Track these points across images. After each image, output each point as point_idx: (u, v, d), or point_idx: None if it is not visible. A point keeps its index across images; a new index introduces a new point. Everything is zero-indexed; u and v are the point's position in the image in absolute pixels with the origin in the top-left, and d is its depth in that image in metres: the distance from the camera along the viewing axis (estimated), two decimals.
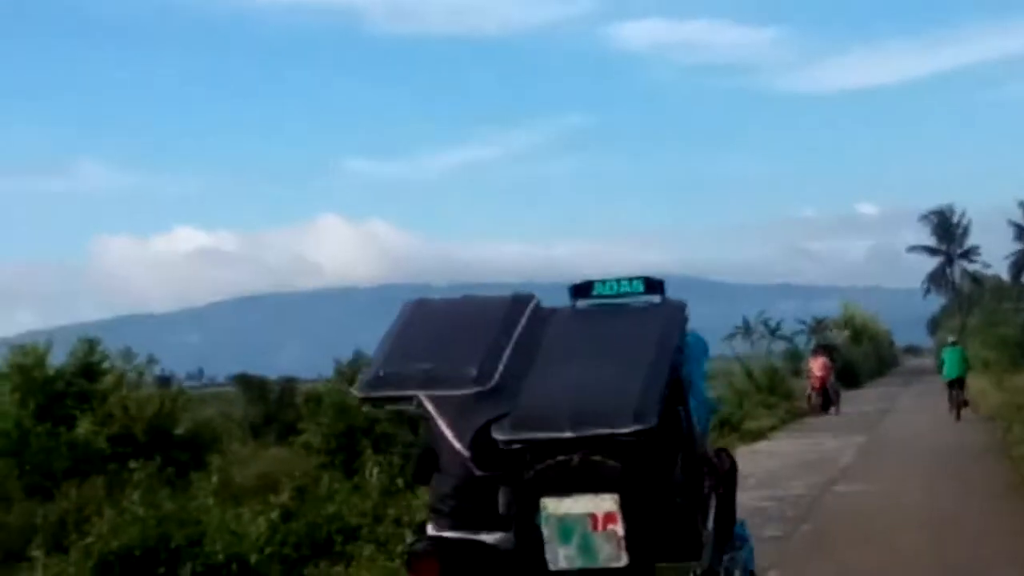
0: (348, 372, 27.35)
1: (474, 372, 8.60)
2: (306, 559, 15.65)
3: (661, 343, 8.60)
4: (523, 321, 9.15)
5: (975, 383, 53.39)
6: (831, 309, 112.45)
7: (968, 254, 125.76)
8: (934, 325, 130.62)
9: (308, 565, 15.26)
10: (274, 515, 16.41)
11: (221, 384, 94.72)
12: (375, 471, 19.95)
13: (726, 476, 9.76)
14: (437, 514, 8.60)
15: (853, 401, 55.76)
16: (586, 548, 7.97)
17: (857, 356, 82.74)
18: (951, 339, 50.42)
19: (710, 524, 9.10)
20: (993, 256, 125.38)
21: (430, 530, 8.64)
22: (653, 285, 9.29)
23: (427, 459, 8.77)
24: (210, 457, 24.46)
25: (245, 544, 15.11)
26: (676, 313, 9.13)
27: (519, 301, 9.45)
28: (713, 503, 9.33)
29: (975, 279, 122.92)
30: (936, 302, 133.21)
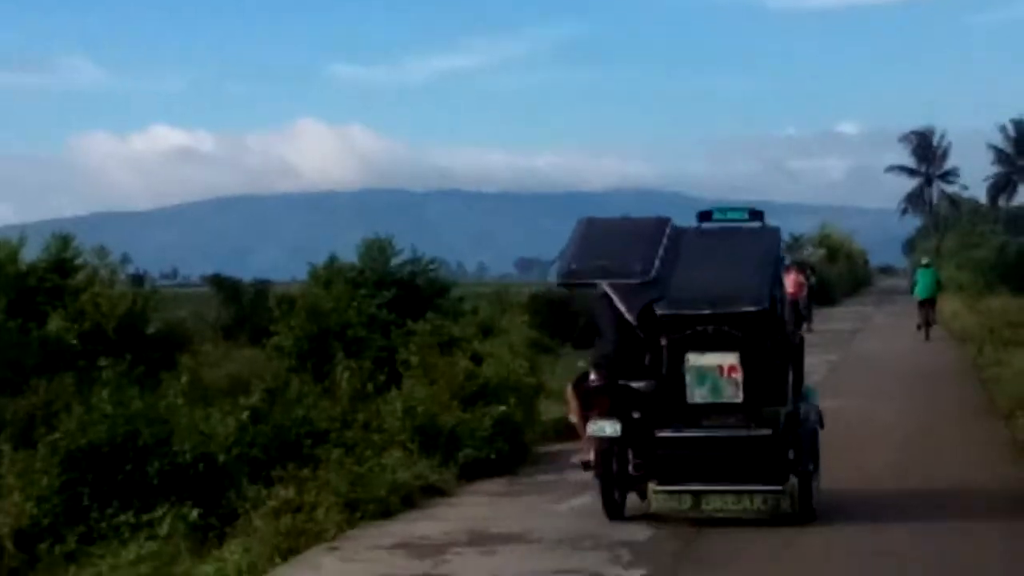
0: (323, 275, 27.24)
1: (638, 268, 13.34)
2: (274, 461, 15.63)
3: (767, 253, 13.62)
4: (666, 235, 13.72)
5: (949, 305, 53.67)
6: (809, 227, 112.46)
7: (947, 176, 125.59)
8: (909, 246, 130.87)
9: (276, 467, 15.23)
10: (243, 416, 16.39)
11: (195, 285, 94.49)
12: (346, 375, 19.92)
13: (798, 348, 14.04)
14: (597, 367, 13.50)
15: (827, 319, 55.78)
16: (715, 388, 12.93)
17: (832, 275, 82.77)
18: (924, 260, 50.99)
19: (789, 381, 13.41)
20: (972, 179, 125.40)
21: (592, 378, 13.54)
22: (755, 214, 14.16)
23: (589, 329, 13.97)
24: (181, 357, 24.41)
25: (213, 444, 15.10)
26: (775, 234, 14.26)
27: (661, 221, 14.10)
28: (791, 366, 13.53)
29: (952, 201, 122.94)
30: (912, 223, 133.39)
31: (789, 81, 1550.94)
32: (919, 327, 42.84)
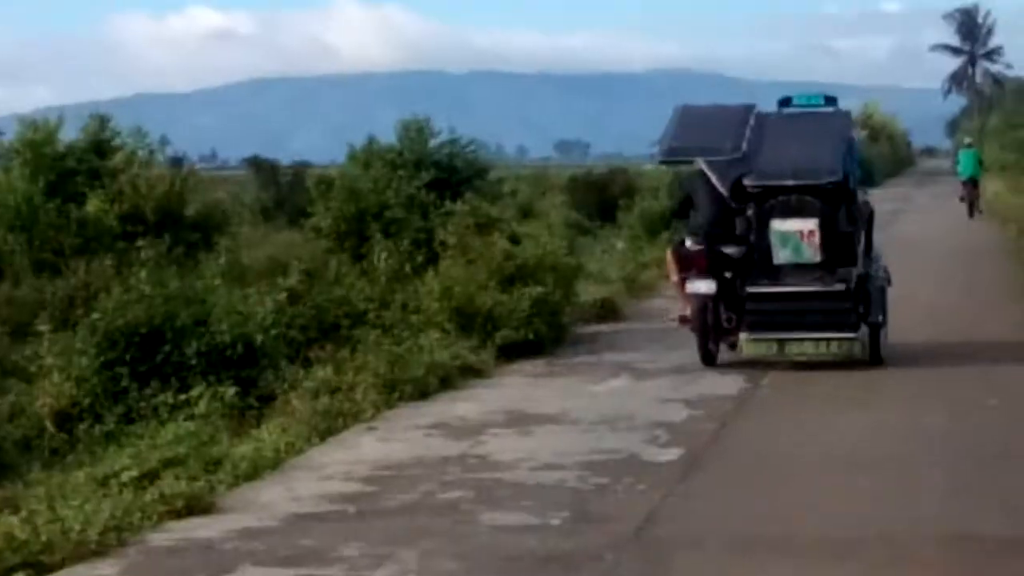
0: (361, 157, 27.12)
1: (729, 146, 15.50)
2: (312, 341, 15.66)
3: (840, 133, 16.00)
4: (752, 119, 15.89)
5: (992, 185, 53.27)
6: (850, 107, 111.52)
7: (991, 55, 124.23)
8: (953, 126, 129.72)
9: (313, 347, 15.26)
10: (281, 297, 16.41)
11: (233, 167, 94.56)
12: (383, 256, 19.90)
13: (869, 217, 16.19)
14: (694, 236, 15.65)
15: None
16: (797, 250, 15.02)
17: (874, 155, 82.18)
18: (967, 140, 51.84)
19: (861, 245, 15.57)
20: (1016, 58, 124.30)
21: (688, 245, 15.74)
22: (830, 99, 16.71)
23: (687, 203, 16.19)
24: (219, 239, 24.42)
25: (251, 325, 15.09)
26: (847, 117, 17.24)
27: (748, 107, 16.41)
28: (862, 233, 15.70)
29: (997, 80, 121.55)
30: (956, 103, 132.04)
31: None
32: (961, 199, 43.79)
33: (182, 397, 13.38)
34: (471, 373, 15.11)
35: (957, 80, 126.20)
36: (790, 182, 15.06)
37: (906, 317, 17.77)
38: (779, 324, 15.26)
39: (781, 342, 15.29)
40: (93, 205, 24.13)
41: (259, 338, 14.81)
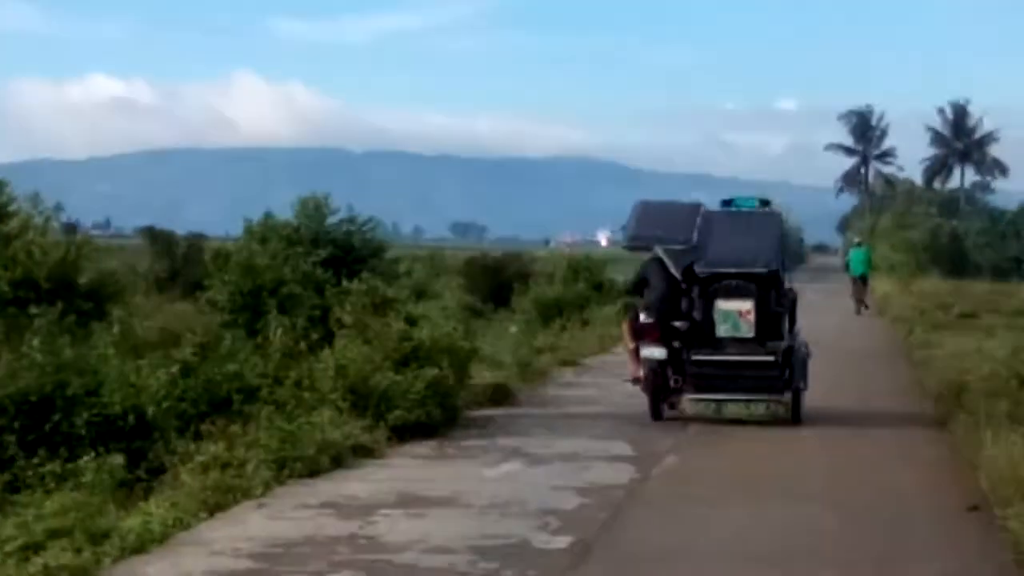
0: (258, 231, 27.06)
1: (682, 237, 18.64)
2: (204, 415, 15.52)
3: (773, 230, 19.17)
4: (700, 215, 19.11)
5: (881, 286, 54.23)
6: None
7: (884, 156, 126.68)
8: (844, 224, 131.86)
9: (205, 421, 15.14)
10: (174, 369, 16.23)
11: (128, 236, 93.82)
12: (279, 332, 19.81)
13: (793, 301, 19.06)
14: (647, 310, 18.54)
15: None
16: (735, 326, 18.15)
17: None
18: (857, 240, 54.34)
19: (787, 324, 18.67)
20: (908, 160, 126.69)
21: (643, 318, 18.62)
22: (764, 202, 19.69)
23: (642, 283, 18.96)
24: (113, 308, 24.18)
25: (143, 396, 14.95)
26: (778, 217, 20.07)
27: (696, 205, 19.83)
28: (787, 313, 18.72)
29: (888, 181, 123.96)
30: (848, 202, 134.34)
31: (729, 54, 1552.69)
32: (854, 302, 45.20)
33: (70, 466, 13.20)
34: (363, 452, 15.07)
35: (849, 179, 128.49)
36: (732, 269, 18.35)
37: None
38: (718, 387, 18.43)
39: (719, 403, 18.80)
40: None
41: (151, 410, 14.67)
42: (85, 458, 13.21)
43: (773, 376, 18.19)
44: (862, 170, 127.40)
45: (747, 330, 18.28)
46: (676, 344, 18.38)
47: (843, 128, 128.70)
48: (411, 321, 18.97)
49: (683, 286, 18.65)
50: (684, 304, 18.66)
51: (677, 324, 18.50)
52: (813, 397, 19.00)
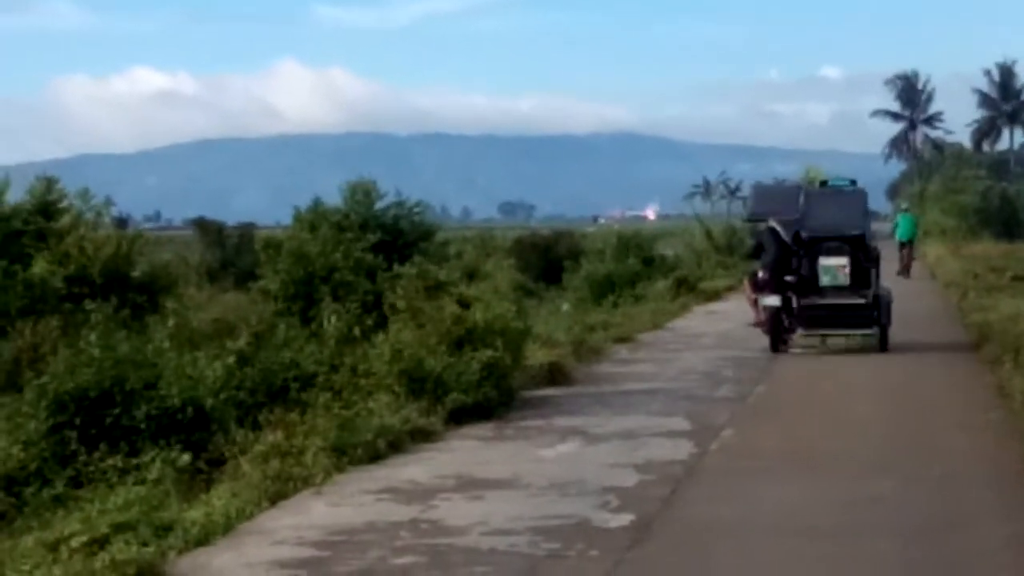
0: (308, 219, 27.13)
1: (790, 211, 23.89)
2: (261, 405, 15.61)
3: (860, 204, 24.77)
4: (802, 192, 25.34)
5: (933, 250, 53.84)
6: (792, 172, 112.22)
7: (931, 120, 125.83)
8: (893, 191, 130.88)
9: (263, 411, 15.21)
10: (230, 360, 16.32)
11: (178, 228, 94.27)
12: (332, 319, 19.88)
13: (877, 258, 24.10)
14: (766, 268, 23.62)
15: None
16: (835, 277, 23.40)
17: None
18: (904, 206, 54.88)
19: (873, 275, 23.62)
20: (956, 123, 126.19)
21: (761, 275, 23.84)
22: (852, 182, 25.36)
23: (759, 247, 24.49)
24: (166, 300, 24.32)
25: (200, 388, 15.03)
26: (863, 193, 25.21)
27: (798, 186, 28.24)
28: (874, 268, 23.77)
29: (936, 146, 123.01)
30: (896, 168, 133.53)
31: (771, 25, 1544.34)
32: (899, 269, 45.39)
33: (133, 461, 13.30)
34: (421, 437, 15.08)
35: (897, 145, 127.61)
36: (830, 234, 23.82)
37: (840, 393, 17.93)
38: (823, 324, 23.90)
39: (823, 336, 24.31)
40: (40, 267, 24.01)
41: (209, 401, 14.76)
42: (148, 454, 13.30)
43: (865, 315, 23.62)
44: (909, 135, 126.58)
45: (844, 280, 23.70)
46: (788, 294, 23.65)
47: (889, 94, 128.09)
48: (464, 303, 18.95)
49: (792, 248, 23.94)
50: (794, 263, 23.91)
51: (788, 278, 23.72)
52: (870, 360, 18.99)
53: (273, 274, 24.08)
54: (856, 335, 23.94)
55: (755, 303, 24.49)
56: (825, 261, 23.74)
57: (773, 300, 23.66)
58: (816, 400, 18.02)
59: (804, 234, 23.83)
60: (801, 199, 24.69)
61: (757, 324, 24.57)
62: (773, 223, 24.25)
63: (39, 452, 13.98)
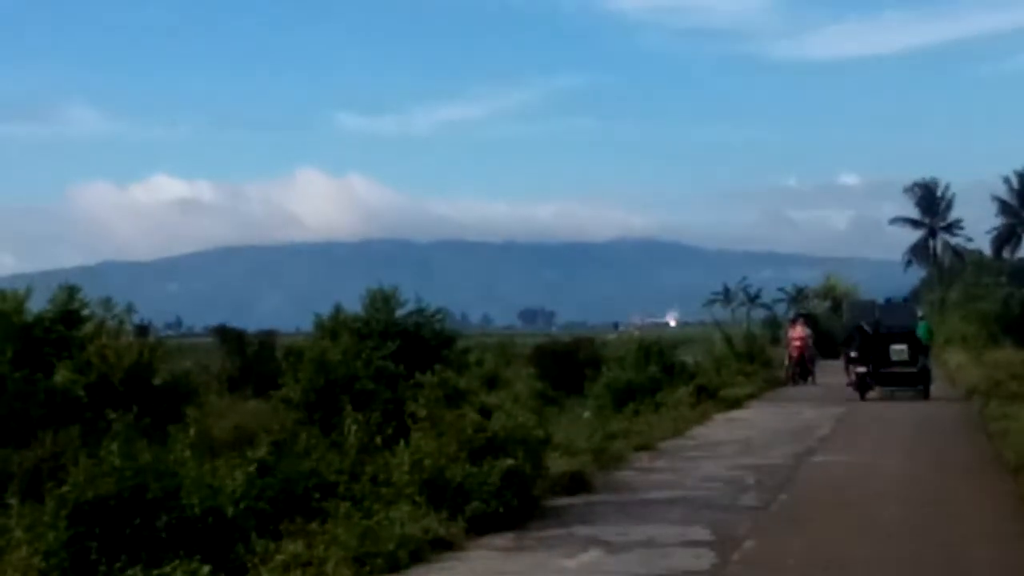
0: (328, 326, 27.18)
1: (872, 317, 42.27)
2: (282, 514, 15.57)
3: (912, 313, 44.59)
4: (877, 306, 44.24)
5: (955, 357, 53.82)
6: (811, 278, 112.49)
7: (951, 227, 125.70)
8: (914, 297, 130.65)
9: (284, 520, 15.18)
10: (251, 469, 16.30)
11: (199, 335, 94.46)
12: (354, 428, 19.87)
13: (926, 346, 42.48)
14: (859, 350, 41.17)
15: (832, 372, 55.85)
16: (900, 356, 40.87)
17: (837, 326, 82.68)
18: (920, 313, 54.60)
19: (920, 356, 41.27)
20: (975, 231, 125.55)
21: (853, 354, 41.68)
22: (906, 299, 52.54)
23: (849, 338, 42.97)
24: (188, 409, 24.33)
25: (221, 497, 15.01)
26: (913, 305, 51.42)
27: (874, 302, 46.10)
28: (922, 352, 41.72)
29: (957, 253, 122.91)
30: (916, 274, 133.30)
31: (790, 132, 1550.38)
32: None
33: (154, 572, 13.24)
34: (442, 546, 15.05)
35: (917, 252, 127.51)
36: (897, 331, 40.19)
37: (866, 499, 17.83)
38: (892, 383, 40.49)
39: (892, 391, 40.32)
40: (61, 375, 24.05)
41: (229, 511, 14.73)
42: (170, 565, 13.25)
43: (917, 378, 40.71)
44: (930, 242, 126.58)
45: (905, 357, 40.75)
46: (870, 366, 40.51)
47: (908, 201, 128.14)
48: (485, 411, 18.95)
49: (872, 338, 40.79)
50: (873, 347, 40.73)
51: (867, 355, 40.71)
52: (890, 468, 18.88)
53: (294, 382, 24.08)
54: (909, 391, 40.31)
55: (848, 370, 42.16)
56: (894, 346, 40.61)
57: (862, 368, 40.56)
58: (841, 508, 17.92)
59: (882, 330, 40.88)
60: (877, 309, 43.28)
61: (851, 384, 41.20)
62: (864, 324, 41.60)
63: (60, 562, 13.91)
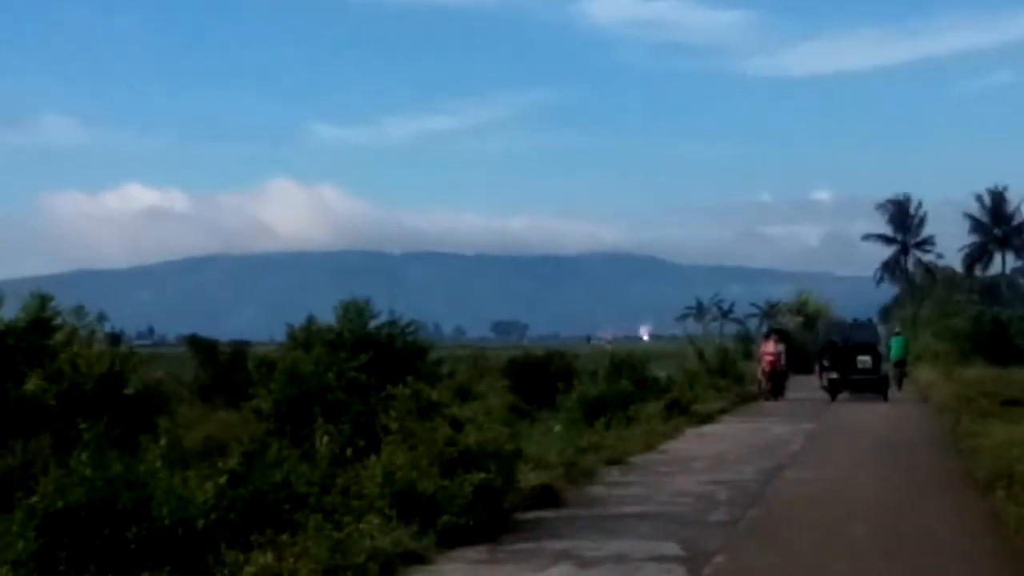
0: (301, 337, 27.16)
1: (843, 335, 52.49)
2: (252, 526, 15.51)
3: (875, 329, 56.20)
4: (847, 325, 56.57)
5: (926, 374, 54.51)
6: (784, 293, 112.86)
7: (922, 244, 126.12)
8: (886, 314, 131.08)
9: (254, 532, 15.12)
10: (221, 480, 16.24)
11: (171, 344, 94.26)
12: (325, 440, 19.83)
13: (881, 356, 52.48)
14: (831, 362, 51.16)
15: (803, 386, 56.10)
16: (864, 365, 50.31)
17: (808, 342, 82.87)
18: (896, 329, 64.22)
19: (882, 364, 51.98)
20: (947, 248, 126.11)
21: (826, 363, 52.23)
22: (870, 319, 62.92)
23: (823, 351, 54.20)
24: (159, 419, 24.23)
25: (192, 508, 14.95)
26: (876, 324, 61.45)
27: (843, 321, 60.57)
28: (882, 361, 52.49)
29: (928, 270, 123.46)
30: (888, 291, 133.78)
31: (764, 148, 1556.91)
32: (892, 381, 54.03)
33: None
34: (412, 559, 15.01)
35: (889, 269, 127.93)
36: (862, 344, 50.48)
37: (837, 516, 17.85)
38: (859, 388, 49.71)
39: (859, 395, 49.25)
40: (32, 384, 23.93)
41: (200, 522, 14.67)
42: None
43: (879, 384, 49.47)
44: (901, 259, 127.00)
45: (870, 367, 49.71)
46: (839, 372, 49.37)
47: (880, 218, 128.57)
48: (457, 424, 18.92)
49: (842, 350, 49.79)
50: (842, 358, 49.66)
51: (838, 365, 49.49)
52: (864, 486, 18.89)
53: (266, 393, 24.05)
54: (870, 393, 49.01)
55: (822, 376, 52.54)
56: (860, 357, 49.81)
57: (834, 375, 49.98)
58: (811, 525, 17.94)
59: (850, 344, 50.20)
60: (848, 328, 54.26)
61: (824, 388, 50.54)
62: (835, 339, 51.72)
63: (28, 573, 13.84)
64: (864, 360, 49.63)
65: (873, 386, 49.34)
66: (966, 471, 23.64)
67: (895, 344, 57.06)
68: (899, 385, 54.92)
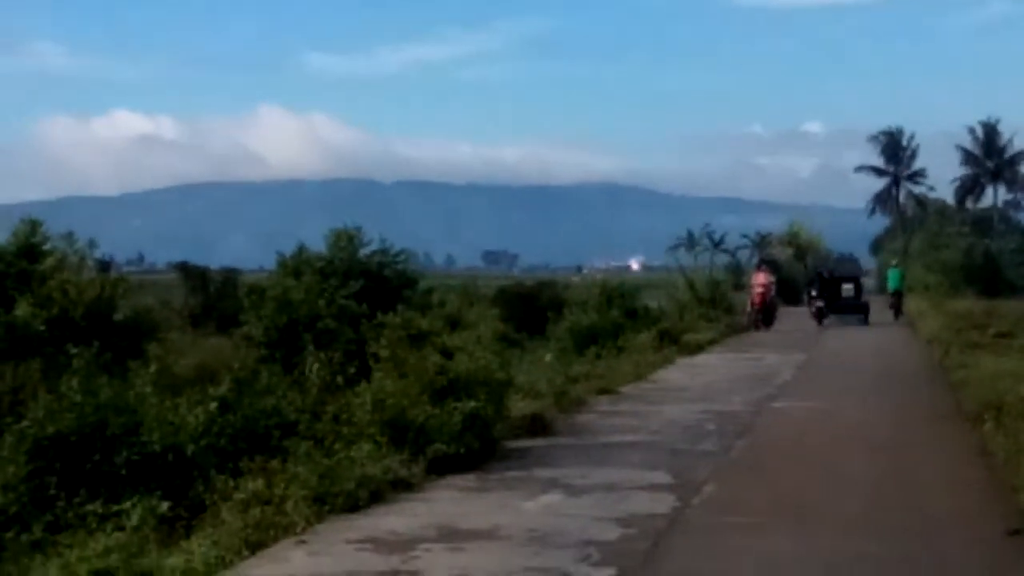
0: (292, 265, 27.10)
1: (829, 267, 61.28)
2: (242, 452, 15.53)
3: (858, 263, 65.53)
4: (832, 258, 67.54)
5: (916, 305, 54.80)
6: (775, 225, 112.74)
7: (914, 177, 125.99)
8: (877, 245, 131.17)
9: (244, 458, 15.14)
10: (212, 407, 16.26)
11: (161, 271, 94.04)
12: (315, 367, 19.82)
13: (863, 286, 61.82)
14: (818, 291, 56.36)
15: (793, 318, 56.39)
16: (848, 293, 57.99)
17: (799, 273, 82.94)
18: (894, 261, 67.15)
19: (863, 293, 60.56)
20: (939, 180, 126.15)
21: (814, 292, 57.04)
22: (852, 254, 71.11)
23: (812, 281, 59.80)
24: (149, 345, 24.24)
25: (182, 434, 14.99)
26: (858, 259, 69.53)
27: (829, 254, 76.41)
28: (863, 290, 61.47)
29: (920, 202, 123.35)
30: (880, 223, 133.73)
31: (756, 79, 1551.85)
32: (890, 307, 60.74)
33: (113, 507, 13.20)
34: (402, 487, 15.01)
35: (881, 201, 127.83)
36: (847, 275, 58.49)
37: (825, 445, 17.87)
38: (841, 312, 55.79)
39: (843, 319, 55.22)
40: (22, 309, 23.92)
41: (190, 448, 14.71)
42: (129, 501, 13.21)
43: (861, 308, 56.52)
44: (893, 191, 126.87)
45: (852, 294, 57.15)
46: (825, 299, 54.55)
47: (873, 150, 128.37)
48: (447, 353, 18.90)
49: (830, 282, 56.51)
50: (828, 287, 55.87)
51: (824, 293, 55.06)
52: (850, 415, 18.89)
53: (256, 320, 24.05)
54: (853, 318, 54.85)
55: (811, 304, 55.63)
56: (844, 286, 56.65)
57: (820, 303, 54.50)
58: (800, 454, 17.98)
59: (835, 275, 57.12)
60: (833, 261, 61.91)
61: (812, 315, 54.25)
62: (822, 271, 58.65)
63: (18, 496, 13.90)
64: (848, 288, 57.36)
65: (856, 310, 56.77)
66: (955, 402, 23.67)
67: (892, 275, 62.67)
68: (896, 314, 59.65)
